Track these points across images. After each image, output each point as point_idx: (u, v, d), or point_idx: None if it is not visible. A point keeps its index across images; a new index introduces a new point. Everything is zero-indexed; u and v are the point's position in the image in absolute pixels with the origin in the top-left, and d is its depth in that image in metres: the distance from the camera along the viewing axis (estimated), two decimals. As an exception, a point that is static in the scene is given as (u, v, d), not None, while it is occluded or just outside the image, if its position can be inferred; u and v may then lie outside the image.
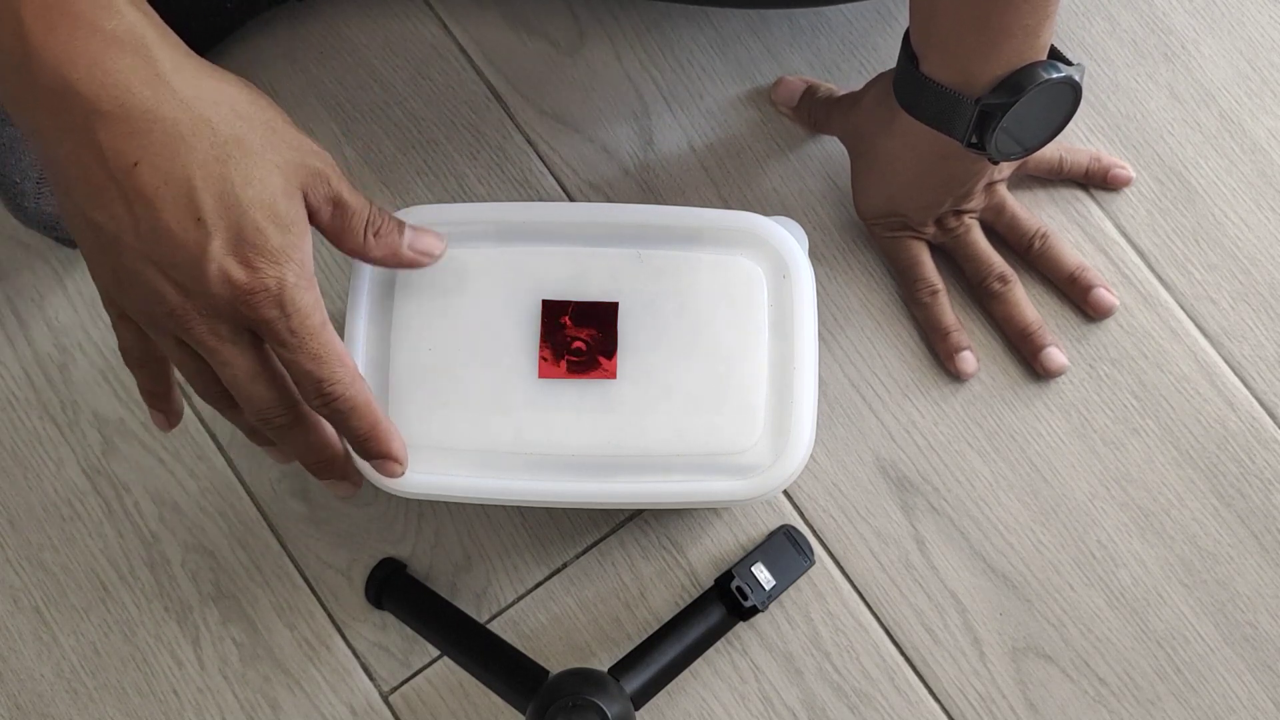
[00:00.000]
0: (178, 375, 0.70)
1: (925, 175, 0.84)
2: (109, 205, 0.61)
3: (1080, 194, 0.94)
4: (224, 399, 0.67)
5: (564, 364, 0.75)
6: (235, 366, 0.64)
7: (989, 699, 0.87)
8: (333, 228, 0.67)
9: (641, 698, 0.81)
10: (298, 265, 0.63)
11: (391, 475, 0.72)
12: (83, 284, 0.93)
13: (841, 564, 0.89)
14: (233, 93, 0.63)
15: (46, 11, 0.60)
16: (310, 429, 0.69)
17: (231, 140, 0.62)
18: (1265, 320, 0.91)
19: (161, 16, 0.90)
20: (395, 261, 0.71)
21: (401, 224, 0.71)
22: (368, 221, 0.68)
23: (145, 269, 0.62)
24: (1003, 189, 0.90)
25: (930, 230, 0.89)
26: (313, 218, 0.66)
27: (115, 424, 0.91)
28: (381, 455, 0.70)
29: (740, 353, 0.75)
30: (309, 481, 0.90)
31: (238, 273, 0.61)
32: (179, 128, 0.61)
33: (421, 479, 0.74)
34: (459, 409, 0.74)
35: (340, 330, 0.76)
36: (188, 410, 0.91)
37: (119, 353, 0.69)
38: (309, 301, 0.64)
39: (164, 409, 0.72)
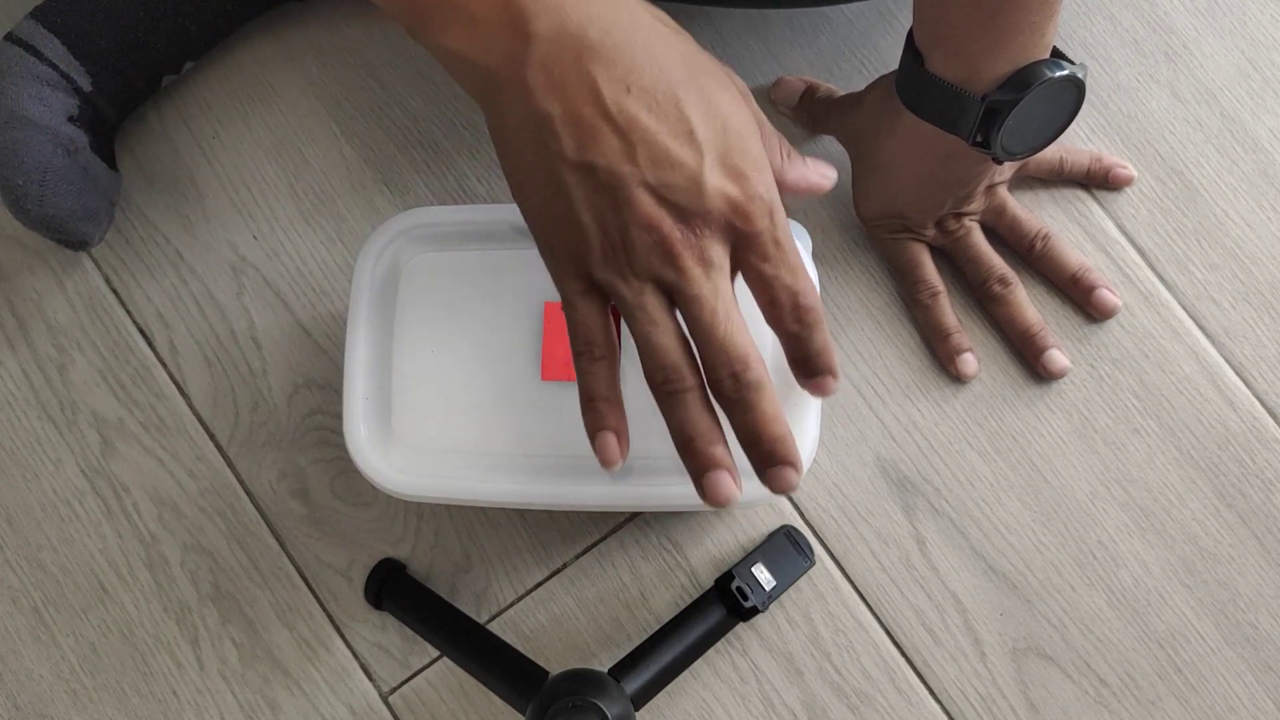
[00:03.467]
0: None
1: (926, 177, 0.84)
2: (603, 140, 0.59)
3: (1081, 194, 0.93)
4: (685, 367, 0.62)
5: (567, 366, 0.74)
6: (716, 300, 0.61)
7: (989, 699, 0.87)
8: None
9: (641, 698, 0.81)
10: (769, 171, 0.63)
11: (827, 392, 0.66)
12: (81, 285, 0.93)
13: (842, 564, 0.88)
14: (661, 11, 0.63)
15: None
16: (770, 394, 0.62)
17: (692, 53, 0.62)
18: (1266, 320, 0.91)
19: (160, 15, 0.91)
20: (806, 185, 0.69)
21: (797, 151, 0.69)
22: (780, 141, 0.67)
23: (641, 198, 0.60)
24: (1003, 190, 0.89)
25: (930, 232, 0.89)
26: None
27: (114, 424, 0.91)
28: (826, 371, 0.65)
29: (743, 355, 0.75)
30: (309, 481, 0.90)
31: (733, 184, 0.61)
32: (654, 47, 0.60)
33: (424, 481, 0.74)
34: (462, 411, 0.74)
35: (342, 334, 0.76)
36: (186, 410, 0.91)
37: (574, 349, 0.63)
38: (782, 210, 0.63)
39: (617, 426, 0.64)
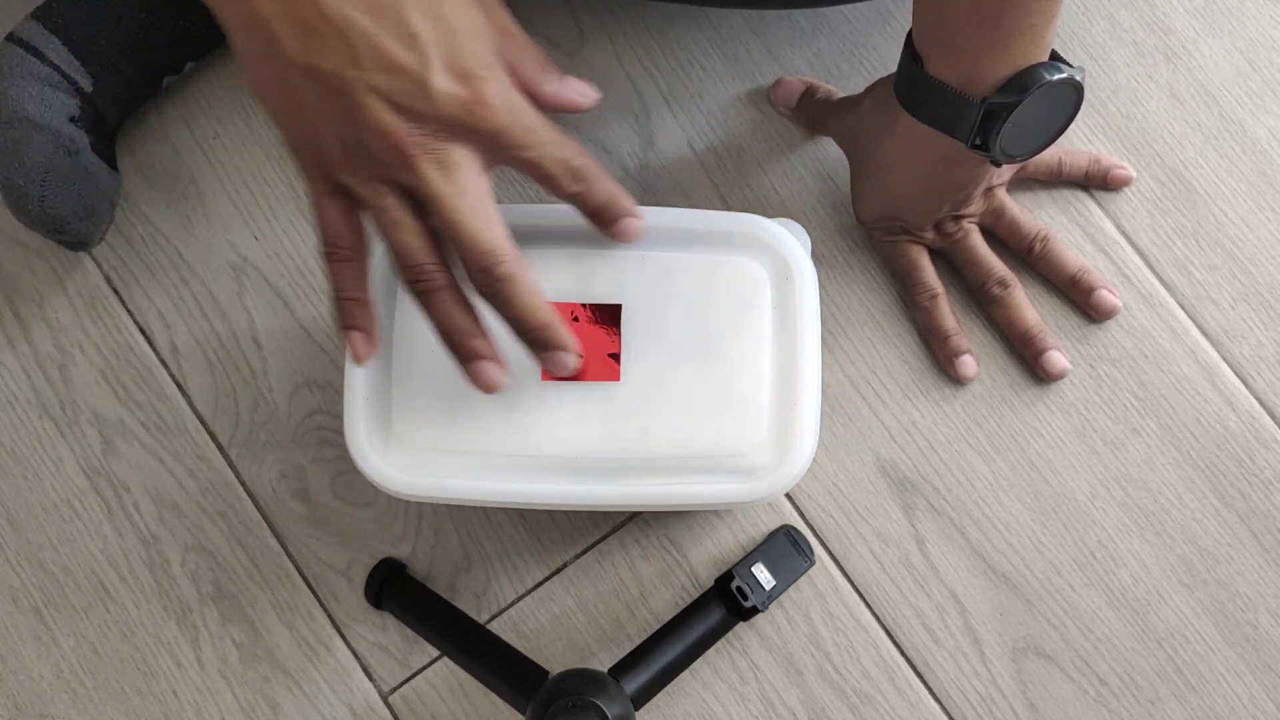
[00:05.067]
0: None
1: (925, 180, 0.84)
2: (326, 43, 0.60)
3: (1080, 194, 0.94)
4: (430, 265, 0.65)
5: (566, 366, 0.75)
6: (459, 198, 0.63)
7: (989, 699, 0.87)
8: (505, 57, 0.66)
9: (641, 698, 0.81)
10: (504, 72, 0.63)
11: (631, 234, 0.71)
12: (83, 285, 0.93)
13: (841, 564, 0.89)
14: None
15: None
16: (531, 288, 0.66)
17: None
18: (1265, 320, 0.91)
19: (161, 16, 0.91)
20: (562, 99, 0.69)
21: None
22: (537, 53, 0.68)
23: (369, 101, 0.61)
24: (1002, 193, 0.89)
25: (929, 235, 0.89)
26: None
27: (115, 424, 0.91)
28: (622, 214, 0.70)
29: (743, 355, 0.75)
30: (309, 481, 0.90)
31: (462, 86, 0.62)
32: None
33: (424, 481, 0.74)
34: (462, 411, 0.74)
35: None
36: (187, 410, 0.91)
37: (318, 253, 0.67)
38: (522, 99, 0.64)
39: (364, 324, 0.67)
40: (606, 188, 0.69)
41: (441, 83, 0.61)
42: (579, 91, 0.70)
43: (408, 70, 0.61)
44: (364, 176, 0.63)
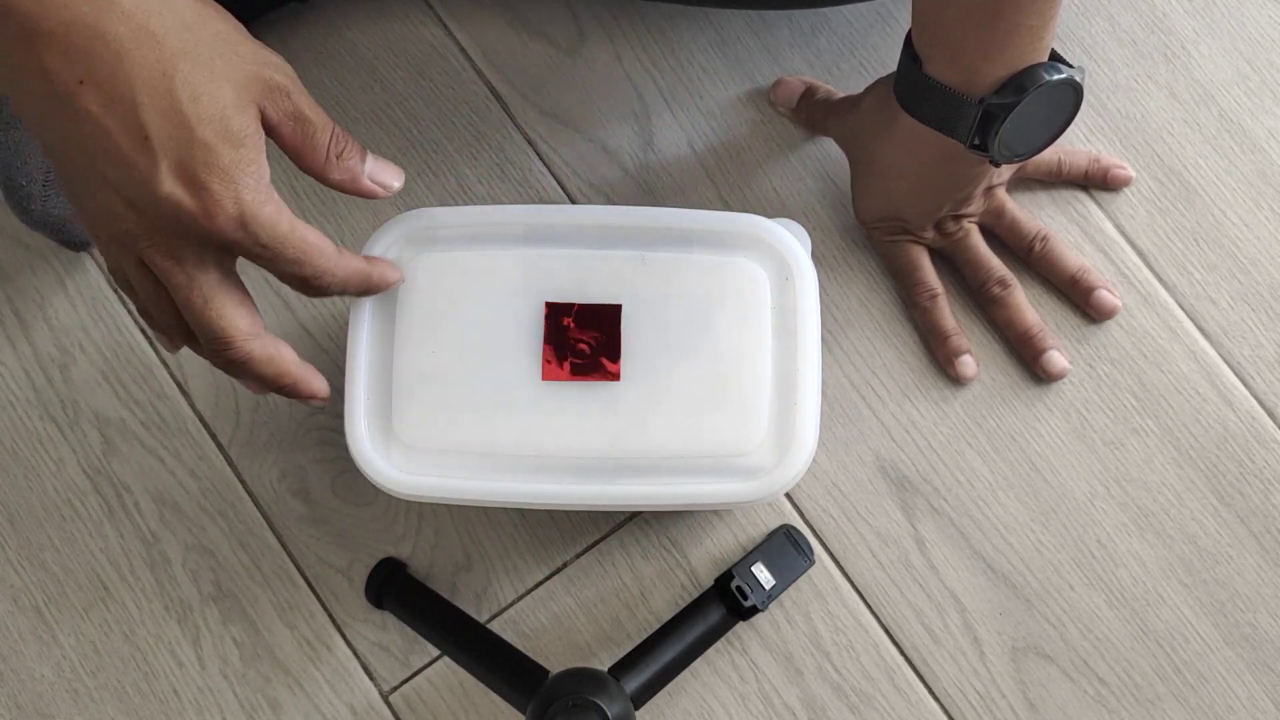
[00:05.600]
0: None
1: (925, 179, 0.84)
2: (61, 127, 0.60)
3: (1080, 194, 0.94)
4: (183, 329, 0.66)
5: (567, 366, 0.75)
6: (190, 289, 0.63)
7: (989, 699, 0.87)
8: (293, 144, 0.65)
9: (641, 697, 0.81)
10: (253, 180, 0.62)
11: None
12: (83, 285, 0.93)
13: (841, 564, 0.89)
14: (180, 4, 0.61)
15: None
16: (268, 360, 0.67)
17: (178, 53, 0.60)
18: (1265, 320, 0.92)
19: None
20: (353, 188, 0.68)
21: (364, 151, 0.68)
22: (330, 140, 0.66)
23: (102, 190, 0.61)
24: (1001, 193, 0.90)
25: (929, 235, 0.89)
26: (272, 133, 0.64)
27: (115, 424, 0.91)
28: (377, 290, 0.73)
29: (743, 355, 0.75)
30: (310, 481, 0.90)
31: (190, 196, 0.60)
32: (122, 43, 0.59)
33: (425, 481, 0.74)
34: (463, 411, 0.74)
35: (343, 335, 0.76)
36: (188, 410, 0.91)
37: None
38: (270, 213, 0.63)
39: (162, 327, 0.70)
40: (352, 287, 0.69)
41: (168, 188, 0.60)
42: (379, 182, 0.68)
43: (137, 169, 0.60)
44: (110, 242, 0.64)
